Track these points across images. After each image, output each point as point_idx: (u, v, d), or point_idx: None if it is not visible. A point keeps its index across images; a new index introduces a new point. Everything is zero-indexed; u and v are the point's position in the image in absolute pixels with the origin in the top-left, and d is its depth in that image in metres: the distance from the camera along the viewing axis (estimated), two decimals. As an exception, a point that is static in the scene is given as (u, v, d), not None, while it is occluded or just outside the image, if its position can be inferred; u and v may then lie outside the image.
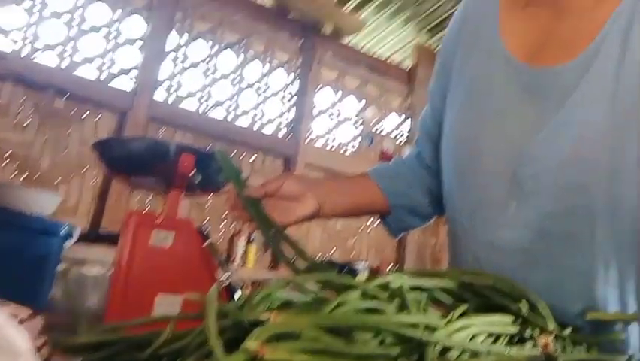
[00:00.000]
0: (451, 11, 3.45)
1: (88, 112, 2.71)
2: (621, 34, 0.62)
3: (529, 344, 0.53)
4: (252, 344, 0.33)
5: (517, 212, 0.70)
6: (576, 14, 0.68)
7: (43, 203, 1.73)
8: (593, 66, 0.63)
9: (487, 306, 0.59)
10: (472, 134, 0.77)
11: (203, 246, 0.93)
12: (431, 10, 3.48)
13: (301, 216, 0.83)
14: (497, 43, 0.75)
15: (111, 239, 2.14)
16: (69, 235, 1.72)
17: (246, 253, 2.97)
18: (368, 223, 3.62)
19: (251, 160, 3.22)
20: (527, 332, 0.54)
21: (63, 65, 2.66)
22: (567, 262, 0.66)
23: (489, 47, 0.77)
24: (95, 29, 2.76)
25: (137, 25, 2.94)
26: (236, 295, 0.91)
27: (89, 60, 2.74)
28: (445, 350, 0.46)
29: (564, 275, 0.66)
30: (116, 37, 2.82)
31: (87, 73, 2.74)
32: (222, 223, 3.05)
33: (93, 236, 2.39)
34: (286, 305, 0.57)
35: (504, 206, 0.72)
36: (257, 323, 0.40)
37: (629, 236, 0.64)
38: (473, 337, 0.50)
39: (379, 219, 1.00)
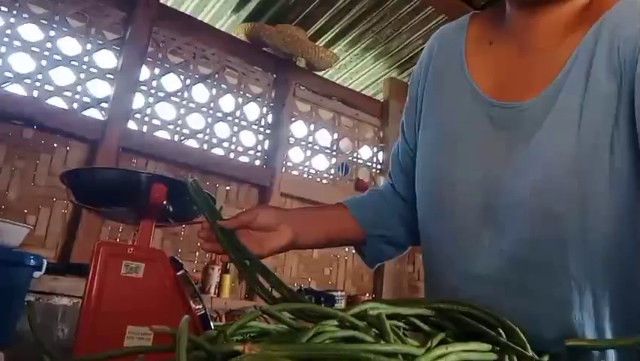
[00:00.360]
0: (420, 48, 3.55)
1: (58, 142, 2.66)
2: (583, 70, 0.65)
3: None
4: (225, 375, 0.32)
5: (492, 242, 0.71)
6: (539, 52, 0.71)
7: (10, 234, 1.67)
8: (558, 100, 0.66)
9: (464, 333, 0.59)
10: (444, 168, 0.78)
11: (177, 275, 0.91)
12: (401, 47, 3.59)
13: (276, 247, 0.82)
14: (465, 79, 0.77)
15: (81, 270, 2.08)
16: (37, 267, 1.66)
17: (220, 282, 2.92)
18: (345, 252, 3.61)
19: (226, 189, 3.19)
20: (506, 360, 0.54)
21: (33, 95, 2.62)
22: (542, 289, 0.67)
23: (457, 82, 0.79)
24: (66, 60, 2.74)
25: (109, 58, 2.94)
26: (211, 326, 0.89)
27: (60, 90, 2.70)
28: (424, 379, 0.45)
29: (540, 302, 0.67)
30: (88, 69, 2.79)
31: (58, 103, 2.71)
32: (197, 253, 3.00)
33: (62, 267, 2.32)
34: (262, 335, 0.55)
35: (478, 236, 0.73)
36: (232, 355, 0.39)
37: (601, 262, 0.65)
38: (451, 365, 0.49)
39: (355, 249, 0.99)
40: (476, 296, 0.68)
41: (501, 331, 0.57)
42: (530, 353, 0.55)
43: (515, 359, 0.53)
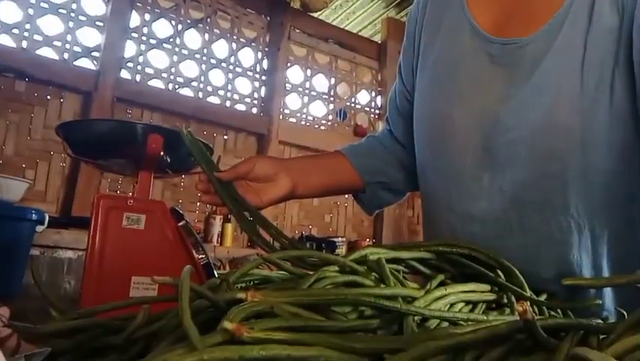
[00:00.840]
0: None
1: (51, 94, 2.63)
2: (586, 5, 0.64)
3: (506, 311, 0.54)
4: (228, 323, 0.32)
5: (491, 182, 0.71)
6: None
7: (10, 190, 1.68)
8: (560, 35, 0.65)
9: (463, 275, 0.60)
10: (443, 108, 0.77)
11: (178, 226, 0.91)
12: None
13: (275, 197, 0.81)
14: (465, 17, 0.76)
15: (83, 223, 2.10)
16: (39, 221, 1.68)
17: (222, 231, 2.96)
18: (345, 198, 3.64)
19: (224, 138, 3.17)
20: (504, 300, 0.55)
21: (23, 46, 2.56)
22: (541, 228, 0.67)
23: (457, 20, 0.77)
24: (54, 8, 2.66)
25: (97, 4, 2.85)
26: (215, 275, 0.90)
27: (50, 40, 2.64)
28: (425, 320, 0.46)
29: (538, 242, 0.67)
30: (76, 17, 2.72)
31: (48, 53, 2.65)
32: (198, 203, 3.03)
33: (64, 221, 2.34)
34: (264, 283, 0.56)
35: (478, 177, 0.72)
36: (235, 303, 0.40)
37: (600, 201, 0.65)
38: (451, 305, 0.51)
39: (353, 197, 0.99)
40: (476, 237, 0.70)
41: (499, 272, 0.58)
42: (528, 292, 0.56)
43: (513, 298, 0.54)
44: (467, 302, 0.52)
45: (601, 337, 0.39)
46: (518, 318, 0.35)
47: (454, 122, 0.75)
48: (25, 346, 0.38)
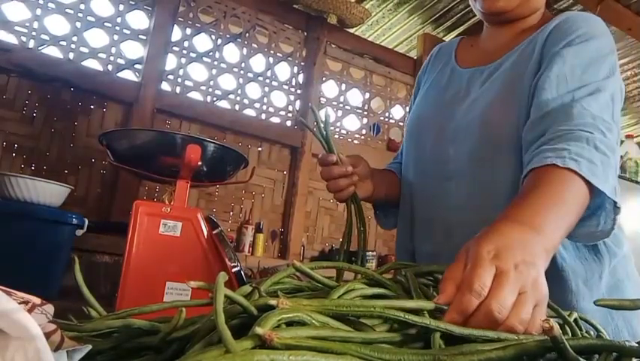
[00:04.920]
0: (456, 1, 3.43)
1: (94, 104, 2.72)
2: (526, 54, 0.96)
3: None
4: (260, 329, 0.34)
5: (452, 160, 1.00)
6: (501, 48, 1.03)
7: (52, 194, 1.74)
8: (502, 67, 0.99)
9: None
10: (420, 112, 1.14)
11: (213, 234, 0.93)
12: (435, 0, 3.46)
13: (362, 196, 1.05)
14: (451, 62, 1.13)
15: (120, 229, 2.16)
16: (79, 225, 1.73)
17: (254, 241, 2.99)
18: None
19: (258, 150, 3.22)
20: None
21: (69, 57, 2.67)
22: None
23: (445, 65, 1.14)
24: (99, 21, 2.77)
25: (141, 18, 2.95)
26: (245, 282, 0.92)
27: (95, 52, 2.74)
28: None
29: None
30: (121, 30, 2.82)
31: (93, 65, 2.75)
32: (231, 213, 3.07)
33: (103, 226, 2.41)
34: (295, 292, 0.57)
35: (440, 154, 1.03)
36: (266, 310, 0.41)
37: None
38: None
39: (375, 215, 1.25)
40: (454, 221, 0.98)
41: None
42: (561, 310, 0.55)
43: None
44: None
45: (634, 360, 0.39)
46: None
47: (425, 123, 1.10)
48: (68, 343, 0.40)
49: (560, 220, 0.66)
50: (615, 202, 0.75)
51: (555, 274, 0.85)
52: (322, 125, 0.97)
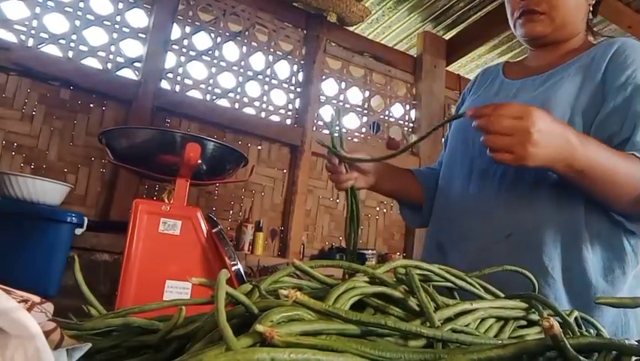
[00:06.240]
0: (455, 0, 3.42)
1: (94, 102, 2.72)
2: (576, 71, 1.01)
3: (535, 329, 0.53)
4: (260, 326, 0.34)
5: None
6: (544, 67, 1.09)
7: (52, 193, 1.74)
8: (549, 81, 1.04)
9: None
10: (463, 127, 1.15)
11: (213, 232, 0.93)
12: (434, -1, 3.46)
13: (363, 187, 1.13)
14: (500, 76, 1.20)
15: (120, 227, 2.16)
16: (79, 224, 1.73)
17: (254, 240, 2.99)
18: (376, 211, 3.63)
19: (258, 148, 3.22)
20: (533, 315, 0.54)
21: (69, 56, 2.67)
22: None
23: (495, 79, 1.20)
24: (99, 20, 2.76)
25: (140, 16, 2.95)
26: (245, 281, 0.92)
27: (94, 51, 2.74)
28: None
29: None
30: (120, 28, 2.82)
31: (93, 63, 2.75)
32: (230, 211, 3.07)
33: (102, 225, 2.41)
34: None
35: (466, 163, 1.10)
36: (267, 308, 0.41)
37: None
38: (482, 321, 0.50)
39: (400, 212, 1.31)
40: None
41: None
42: (560, 309, 0.55)
43: (545, 314, 0.53)
44: (498, 318, 0.52)
45: (634, 359, 0.39)
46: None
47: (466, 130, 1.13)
48: (67, 341, 0.39)
49: (602, 165, 0.81)
50: None
51: (578, 270, 0.91)
52: (337, 133, 1.11)
